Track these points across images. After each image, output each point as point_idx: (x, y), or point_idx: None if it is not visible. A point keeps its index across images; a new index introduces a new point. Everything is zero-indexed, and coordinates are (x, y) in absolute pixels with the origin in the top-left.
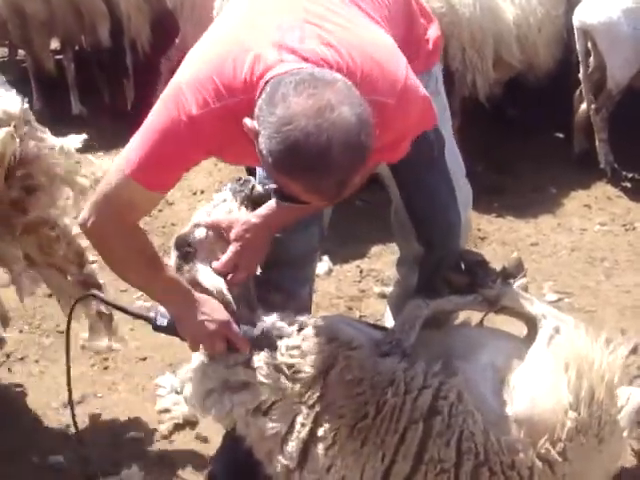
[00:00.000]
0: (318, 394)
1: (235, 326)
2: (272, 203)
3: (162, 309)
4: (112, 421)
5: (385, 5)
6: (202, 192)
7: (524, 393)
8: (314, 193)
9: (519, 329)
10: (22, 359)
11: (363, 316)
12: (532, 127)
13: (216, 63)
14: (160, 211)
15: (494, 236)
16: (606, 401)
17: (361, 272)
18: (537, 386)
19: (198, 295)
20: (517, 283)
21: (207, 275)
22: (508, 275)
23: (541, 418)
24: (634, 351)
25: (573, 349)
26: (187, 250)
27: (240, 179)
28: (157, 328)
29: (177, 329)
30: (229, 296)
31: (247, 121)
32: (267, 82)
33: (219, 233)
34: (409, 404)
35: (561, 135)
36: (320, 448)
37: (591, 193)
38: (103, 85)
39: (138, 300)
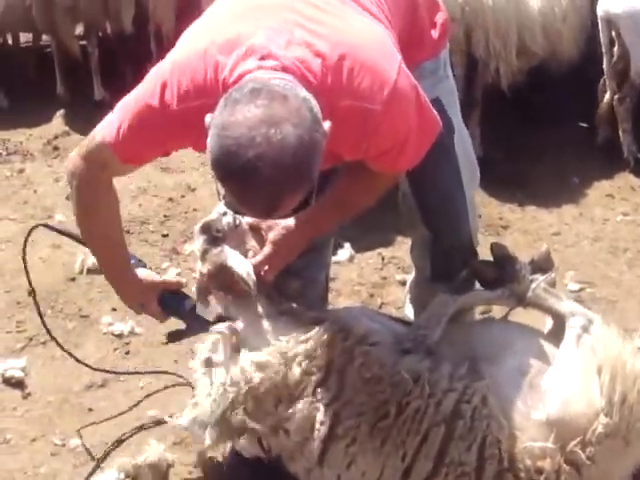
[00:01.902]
0: (335, 392)
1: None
2: (312, 210)
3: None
4: (134, 405)
5: None
6: None
7: (556, 396)
8: (243, 205)
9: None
10: (44, 343)
11: (385, 303)
12: (555, 116)
13: (201, 57)
14: (182, 197)
15: (516, 225)
16: (636, 405)
17: (383, 259)
18: (569, 389)
19: (135, 272)
20: (545, 277)
21: (237, 259)
22: (537, 269)
23: (573, 422)
24: None
25: (605, 350)
26: (216, 235)
27: None
28: None
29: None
30: (254, 280)
31: (207, 117)
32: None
33: (255, 226)
34: (432, 407)
35: (585, 124)
36: (340, 445)
37: (614, 183)
38: (126, 71)
39: None
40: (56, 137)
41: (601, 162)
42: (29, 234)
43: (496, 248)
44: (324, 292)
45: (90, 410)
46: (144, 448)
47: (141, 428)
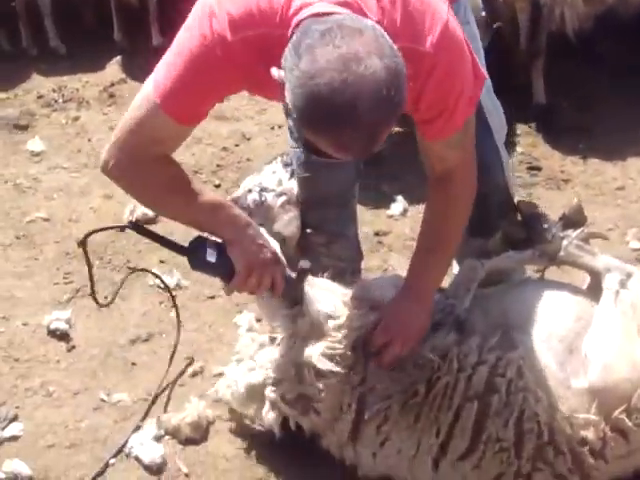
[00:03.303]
0: (360, 376)
1: (283, 266)
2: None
3: (210, 242)
4: (176, 359)
5: None
6: (280, 127)
7: (597, 361)
8: (341, 149)
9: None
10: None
11: None
12: (622, 65)
13: None
14: (237, 146)
15: (578, 179)
16: None
17: None
18: (610, 353)
19: (250, 220)
20: (578, 233)
21: (263, 237)
22: (569, 225)
23: (617, 388)
24: None
25: None
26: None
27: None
28: (199, 265)
29: (229, 252)
30: (283, 259)
31: (274, 71)
32: (299, 23)
33: (285, 201)
34: (463, 382)
35: None
36: (372, 426)
37: None
38: (185, 17)
39: None
40: (112, 84)
41: None
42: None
43: (524, 207)
44: (355, 247)
45: (133, 364)
46: (185, 405)
47: (183, 384)
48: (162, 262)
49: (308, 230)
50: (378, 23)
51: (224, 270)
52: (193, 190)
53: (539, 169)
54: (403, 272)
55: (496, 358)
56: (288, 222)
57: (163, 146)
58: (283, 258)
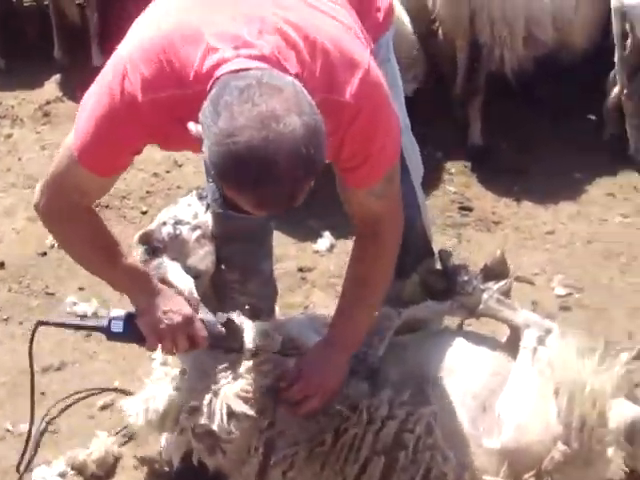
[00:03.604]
0: (270, 419)
1: (199, 323)
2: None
3: (114, 313)
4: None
5: None
6: None
7: (510, 421)
8: (260, 207)
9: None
10: (6, 319)
11: None
12: (562, 107)
13: (166, 43)
14: (168, 172)
15: (509, 221)
16: (597, 428)
17: None
18: (524, 413)
19: (162, 286)
20: (499, 285)
21: (177, 272)
22: (490, 276)
23: (528, 451)
24: (638, 356)
25: (563, 369)
26: (156, 245)
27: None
28: (112, 336)
29: (138, 322)
30: (197, 296)
31: (192, 126)
32: (217, 79)
33: (200, 235)
34: (371, 435)
35: (593, 117)
36: (277, 471)
37: (617, 181)
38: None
39: None
40: (48, 103)
41: (606, 158)
42: (33, 335)
43: (445, 256)
44: (269, 283)
45: (43, 394)
46: (93, 439)
47: (92, 416)
48: (81, 289)
49: (222, 266)
50: (297, 76)
51: (134, 338)
52: (115, 252)
53: (470, 210)
54: (325, 310)
55: (406, 413)
56: (203, 257)
57: (87, 196)
58: (196, 296)
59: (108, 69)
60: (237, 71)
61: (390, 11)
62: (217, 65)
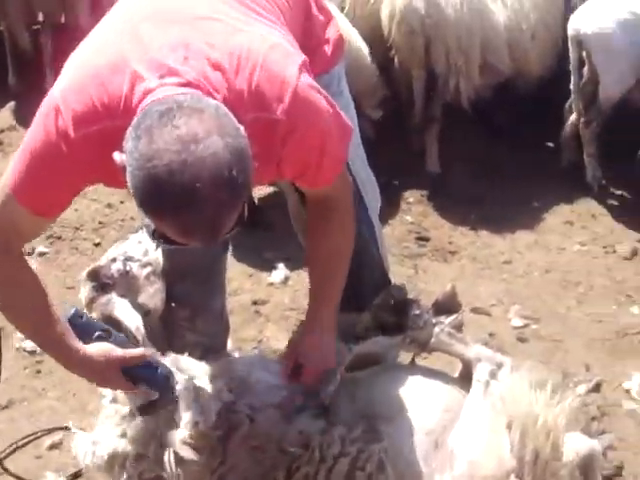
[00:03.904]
0: (221, 458)
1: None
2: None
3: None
4: (36, 428)
5: (281, 4)
6: None
7: (462, 457)
8: (184, 235)
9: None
10: None
11: None
12: (520, 136)
13: (95, 77)
14: (122, 202)
15: (466, 251)
16: (551, 461)
17: None
18: (477, 448)
19: (84, 354)
20: (450, 321)
21: (125, 310)
22: (442, 310)
23: None
24: (595, 389)
25: (515, 403)
26: (105, 282)
27: None
28: None
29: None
30: (144, 333)
31: (116, 155)
32: (143, 109)
33: (150, 272)
34: (323, 473)
35: (551, 144)
36: None
37: (575, 209)
38: None
39: None
40: (2, 131)
41: (563, 186)
42: None
43: (395, 291)
44: (220, 319)
45: None
46: None
47: (40, 456)
48: None
49: (172, 303)
50: (224, 99)
51: None
52: (48, 309)
53: (427, 239)
54: (278, 343)
55: (358, 450)
56: (153, 294)
57: (21, 237)
58: (143, 332)
59: (43, 109)
60: (159, 100)
61: (340, 43)
62: (144, 95)
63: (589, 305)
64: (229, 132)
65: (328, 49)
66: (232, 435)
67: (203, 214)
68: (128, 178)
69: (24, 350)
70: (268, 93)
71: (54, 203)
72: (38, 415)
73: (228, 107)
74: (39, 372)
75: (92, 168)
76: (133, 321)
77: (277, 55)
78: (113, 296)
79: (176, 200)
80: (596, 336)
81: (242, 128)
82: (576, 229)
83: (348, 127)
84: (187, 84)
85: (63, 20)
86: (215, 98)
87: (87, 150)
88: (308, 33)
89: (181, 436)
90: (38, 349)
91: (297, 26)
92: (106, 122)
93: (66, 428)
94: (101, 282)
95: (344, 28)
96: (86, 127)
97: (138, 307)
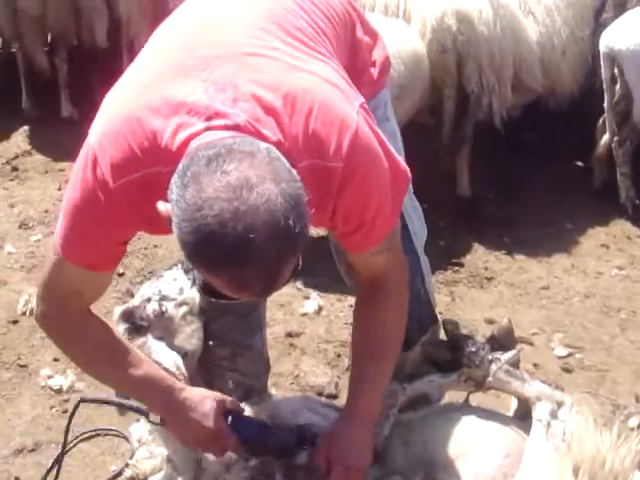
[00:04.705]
0: None
1: (226, 430)
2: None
3: None
4: (66, 473)
5: (331, 33)
6: None
7: None
8: (239, 290)
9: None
10: None
11: None
12: (550, 155)
13: (134, 122)
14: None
15: (502, 276)
16: None
17: None
18: None
19: (186, 394)
20: (508, 356)
21: (163, 352)
22: (497, 346)
23: None
24: None
25: (580, 445)
26: (140, 324)
27: None
28: (150, 423)
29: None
30: (185, 373)
31: (160, 205)
32: (188, 154)
33: (187, 312)
34: None
35: (581, 164)
36: None
37: (609, 231)
38: (97, 88)
39: None
40: (16, 157)
41: (596, 207)
42: (74, 411)
43: (450, 326)
44: (261, 359)
45: (17, 479)
46: None
47: None
48: (56, 360)
49: (210, 342)
50: (278, 144)
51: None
52: (124, 354)
53: (462, 265)
54: (316, 378)
55: None
56: (190, 335)
57: (82, 297)
58: (185, 373)
59: (81, 159)
60: (206, 144)
61: (386, 66)
62: (188, 139)
63: (633, 332)
64: (283, 177)
65: (374, 72)
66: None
67: (259, 268)
68: (175, 229)
69: (50, 388)
70: (325, 138)
71: (104, 256)
72: (68, 458)
73: (281, 152)
74: (66, 412)
75: (134, 217)
76: (172, 360)
77: (335, 96)
78: (149, 338)
79: (229, 253)
80: None
81: (295, 172)
82: (612, 252)
83: (403, 171)
84: (236, 127)
85: (75, 42)
86: (269, 142)
87: (128, 199)
88: (354, 56)
89: None
90: (65, 387)
91: (344, 51)
92: (147, 169)
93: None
94: (136, 324)
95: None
96: (125, 175)
97: (176, 349)
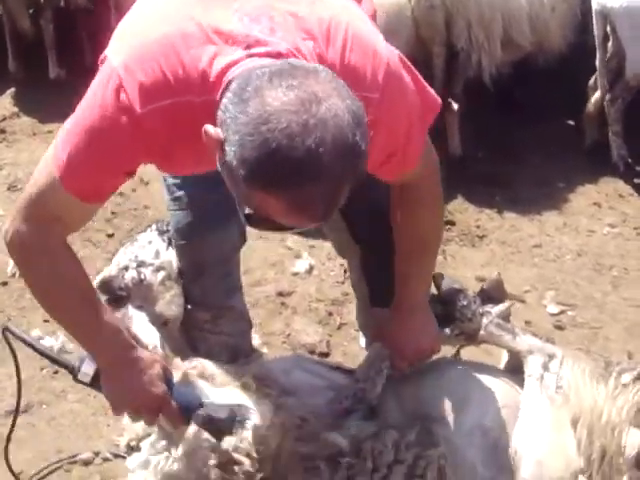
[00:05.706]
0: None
1: (172, 403)
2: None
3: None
4: (57, 433)
5: None
6: None
7: (528, 457)
8: (298, 211)
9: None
10: None
11: (344, 324)
12: (541, 113)
13: (166, 46)
14: (133, 190)
15: (494, 234)
16: (616, 457)
17: (346, 271)
18: (542, 447)
19: (138, 354)
20: (499, 309)
21: (143, 324)
22: (488, 299)
23: None
24: None
25: (577, 397)
26: (119, 294)
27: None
28: (78, 381)
29: (102, 386)
30: (162, 354)
31: (209, 128)
32: (232, 80)
33: (165, 276)
34: None
35: (572, 122)
36: None
37: (601, 189)
38: (85, 48)
39: None
40: (4, 119)
41: (588, 166)
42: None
43: (441, 281)
44: (242, 318)
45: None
46: None
47: (63, 464)
48: (46, 321)
49: (189, 306)
50: None
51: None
52: (92, 298)
53: (453, 223)
54: (307, 337)
55: (414, 457)
56: (170, 300)
57: (66, 226)
58: (161, 352)
59: (99, 81)
60: (255, 67)
61: (374, 20)
62: (227, 68)
63: (625, 289)
64: (347, 95)
65: None
66: (283, 444)
67: (324, 185)
68: (229, 150)
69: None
70: (362, 69)
71: (104, 188)
72: (60, 419)
73: None
74: (56, 372)
75: (154, 147)
76: (151, 338)
77: (364, 26)
78: (129, 309)
79: (296, 168)
80: (636, 321)
81: None
82: (604, 210)
83: (435, 103)
84: (278, 55)
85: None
86: None
87: (155, 126)
88: None
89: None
90: (55, 348)
91: None
92: (177, 97)
93: (96, 454)
94: (115, 294)
95: None
96: (155, 101)
97: (156, 317)
